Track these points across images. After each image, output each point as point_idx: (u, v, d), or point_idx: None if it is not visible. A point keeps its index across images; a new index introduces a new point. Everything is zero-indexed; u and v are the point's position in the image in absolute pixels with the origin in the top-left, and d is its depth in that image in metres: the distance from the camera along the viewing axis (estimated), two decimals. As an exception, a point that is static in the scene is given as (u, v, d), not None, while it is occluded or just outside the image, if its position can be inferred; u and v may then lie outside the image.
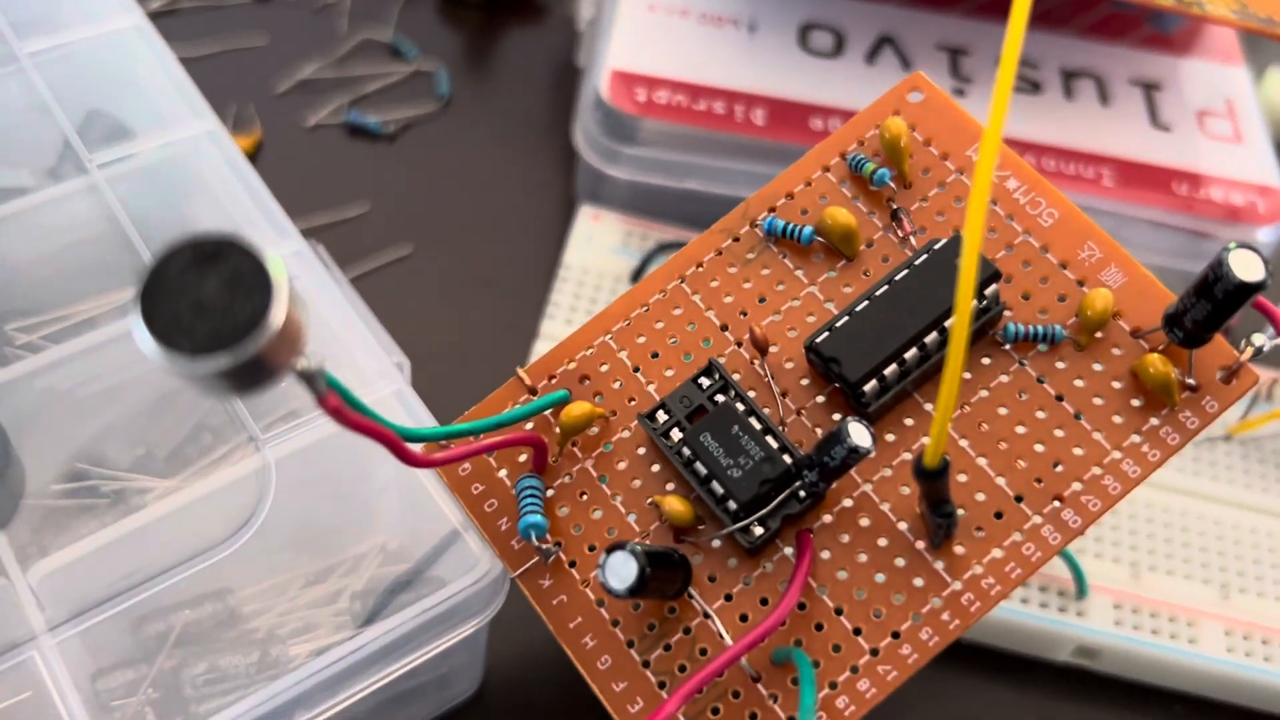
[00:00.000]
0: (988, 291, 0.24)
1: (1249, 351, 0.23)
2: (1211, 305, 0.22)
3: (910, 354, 0.23)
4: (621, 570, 0.21)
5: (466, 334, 0.36)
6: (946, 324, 0.24)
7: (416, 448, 0.24)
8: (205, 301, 0.16)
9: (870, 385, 0.23)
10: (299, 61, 0.42)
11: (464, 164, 0.41)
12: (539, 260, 0.38)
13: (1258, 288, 0.21)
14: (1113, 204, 0.36)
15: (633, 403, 0.25)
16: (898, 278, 0.24)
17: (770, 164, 0.36)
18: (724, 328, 0.26)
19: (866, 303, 0.24)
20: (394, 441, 0.20)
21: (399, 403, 0.27)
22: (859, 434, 0.21)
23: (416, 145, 0.41)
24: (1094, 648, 0.31)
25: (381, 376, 0.27)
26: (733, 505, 0.23)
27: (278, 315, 0.15)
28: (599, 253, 0.37)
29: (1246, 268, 0.21)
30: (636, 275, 0.36)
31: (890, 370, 0.23)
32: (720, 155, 0.36)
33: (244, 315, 0.15)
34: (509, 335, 0.36)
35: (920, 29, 0.39)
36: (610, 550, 0.21)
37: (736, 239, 0.27)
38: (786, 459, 0.23)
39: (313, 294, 0.28)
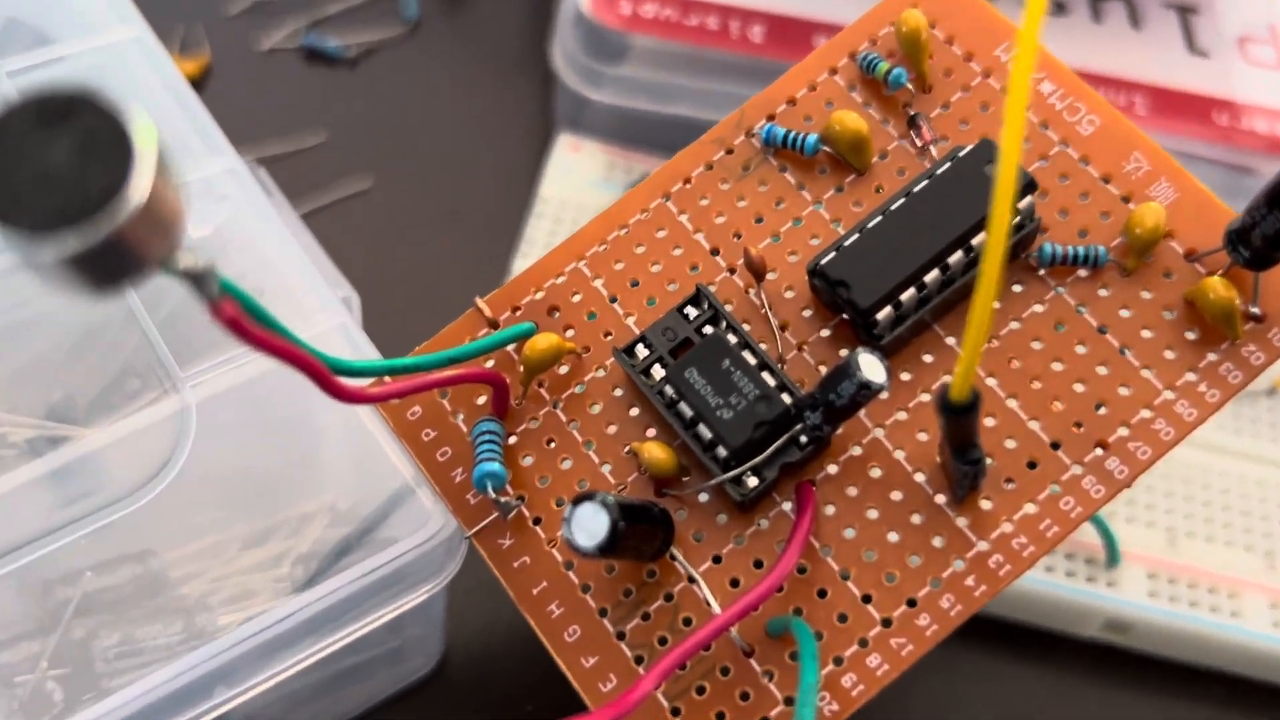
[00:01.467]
0: (1021, 205, 0.20)
1: (1326, 276, 0.20)
2: (1288, 216, 0.18)
3: (931, 276, 0.20)
4: (590, 524, 0.18)
5: (429, 273, 0.33)
6: (974, 241, 0.20)
7: (355, 384, 0.21)
8: (53, 171, 0.12)
9: (884, 313, 0.20)
10: (254, -20, 0.39)
11: (431, 91, 0.37)
12: (512, 195, 0.34)
13: (1345, 193, 0.18)
14: (1150, 134, 0.33)
15: (609, 337, 0.22)
16: (916, 189, 0.21)
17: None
18: (715, 252, 0.22)
19: (880, 218, 0.21)
20: (314, 367, 0.17)
21: (342, 337, 0.24)
22: (871, 367, 0.18)
23: (380, 71, 0.37)
24: (1125, 621, 0.28)
25: (323, 309, 0.24)
26: (722, 452, 0.20)
27: (139, 188, 0.12)
28: (579, 186, 0.33)
29: (1332, 169, 0.18)
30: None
31: (907, 295, 0.20)
32: (713, 76, 0.33)
33: (97, 187, 0.12)
34: (477, 274, 0.32)
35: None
36: (577, 502, 0.18)
37: (730, 150, 0.23)
38: (785, 398, 0.20)
39: (245, 217, 0.25)
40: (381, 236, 0.34)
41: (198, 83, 0.36)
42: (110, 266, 0.12)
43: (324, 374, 0.17)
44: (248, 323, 0.15)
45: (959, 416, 0.17)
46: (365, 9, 0.39)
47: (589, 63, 0.33)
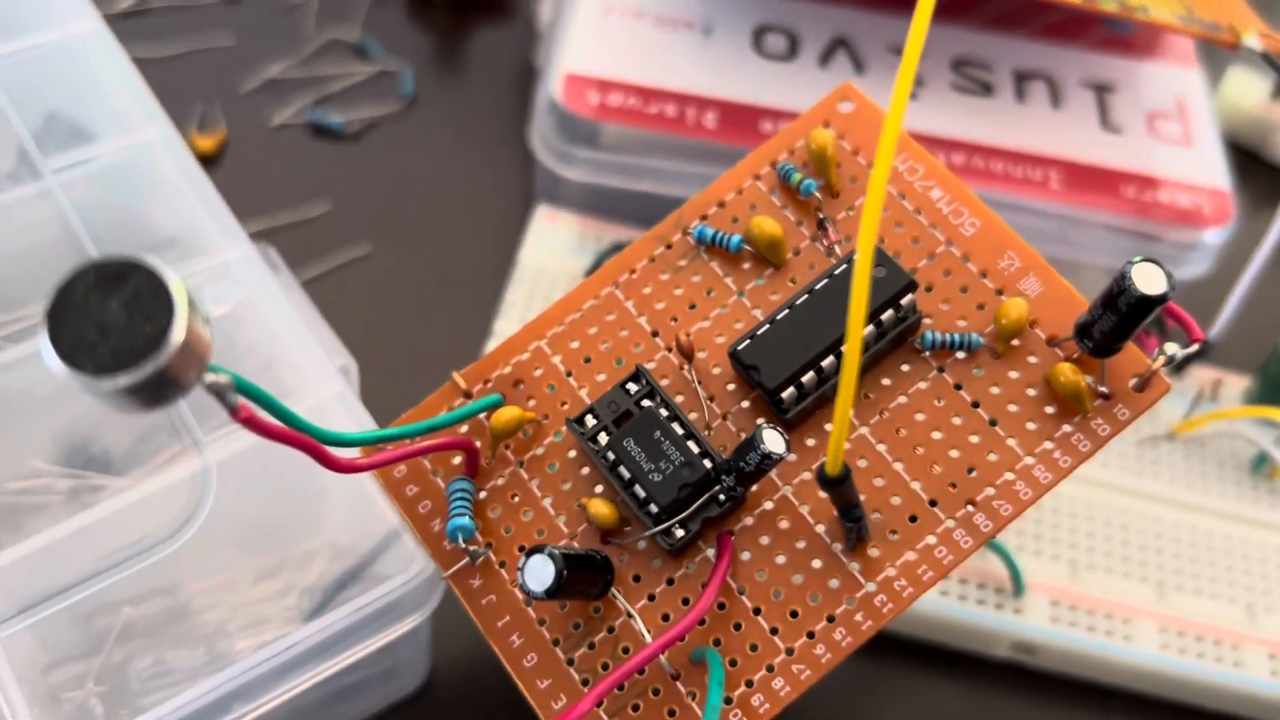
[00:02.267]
0: (904, 301, 0.24)
1: (1161, 360, 0.24)
2: (1117, 317, 0.22)
3: (827, 362, 0.24)
4: (540, 573, 0.22)
5: (420, 334, 0.37)
6: (863, 333, 0.24)
7: (349, 452, 0.25)
8: (108, 322, 0.16)
9: (788, 392, 0.24)
10: (265, 61, 0.43)
11: (425, 164, 0.41)
12: (496, 260, 0.38)
13: (1159, 301, 0.22)
14: (1061, 207, 0.37)
15: (565, 406, 0.26)
16: (817, 287, 0.25)
17: (722, 166, 0.36)
18: (655, 333, 0.26)
19: (787, 311, 0.25)
20: (314, 448, 0.21)
21: (340, 406, 0.28)
22: (772, 440, 0.22)
23: (379, 145, 0.41)
24: (1031, 644, 0.32)
25: (324, 380, 0.28)
26: (654, 509, 0.24)
27: (177, 335, 0.16)
28: (554, 252, 0.37)
29: (1149, 281, 0.22)
30: (590, 275, 0.37)
31: (808, 378, 0.24)
32: (673, 158, 0.37)
33: (143, 336, 0.16)
34: (462, 335, 0.36)
35: (874, 31, 0.40)
36: (529, 554, 0.22)
37: (669, 246, 0.27)
38: (706, 463, 0.24)
39: (257, 298, 0.29)
40: (379, 298, 0.38)
41: (215, 157, 0.40)
42: (156, 393, 0.16)
43: (322, 453, 0.21)
44: (261, 420, 0.19)
45: (833, 488, 0.21)
46: (366, 86, 0.43)
47: (562, 146, 0.37)
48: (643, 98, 0.37)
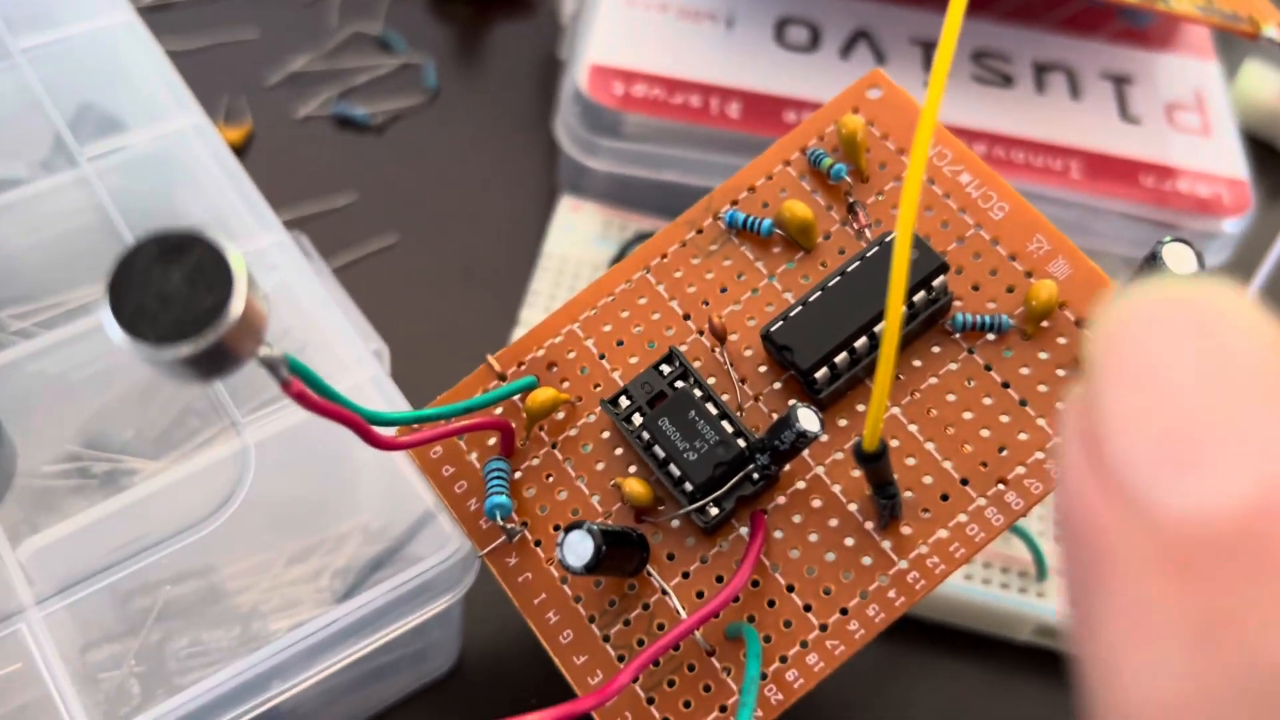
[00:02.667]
0: (935, 283, 0.25)
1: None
2: (1147, 296, 0.23)
3: (860, 342, 0.24)
4: (579, 548, 0.22)
5: (448, 321, 0.37)
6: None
7: (387, 431, 0.25)
8: (169, 293, 0.17)
9: (821, 372, 0.24)
10: (289, 54, 0.43)
11: (450, 155, 0.41)
12: (521, 250, 0.39)
13: (1189, 280, 0.22)
14: (1081, 196, 0.37)
15: (598, 388, 0.26)
16: (850, 269, 0.25)
17: (745, 156, 0.36)
18: (686, 316, 0.27)
19: (820, 293, 0.25)
20: (359, 424, 0.21)
21: (375, 388, 0.28)
22: (807, 419, 0.22)
23: (404, 137, 0.42)
24: (1054, 628, 0.32)
25: (359, 363, 0.28)
26: (689, 487, 0.24)
27: (237, 306, 0.16)
28: (579, 242, 0.38)
29: (1180, 261, 0.22)
30: (614, 264, 0.37)
31: (841, 358, 0.24)
32: (697, 148, 0.37)
33: (204, 306, 0.16)
34: (489, 323, 0.37)
35: (894, 23, 0.40)
36: (568, 529, 0.22)
37: (700, 231, 0.28)
38: (740, 443, 0.24)
39: (292, 283, 0.29)
40: (407, 288, 0.38)
41: (242, 149, 0.41)
42: (215, 365, 0.17)
43: (366, 429, 0.21)
44: (310, 395, 0.19)
45: (871, 463, 0.21)
46: (390, 79, 0.43)
47: (587, 136, 0.37)
48: (667, 88, 0.37)
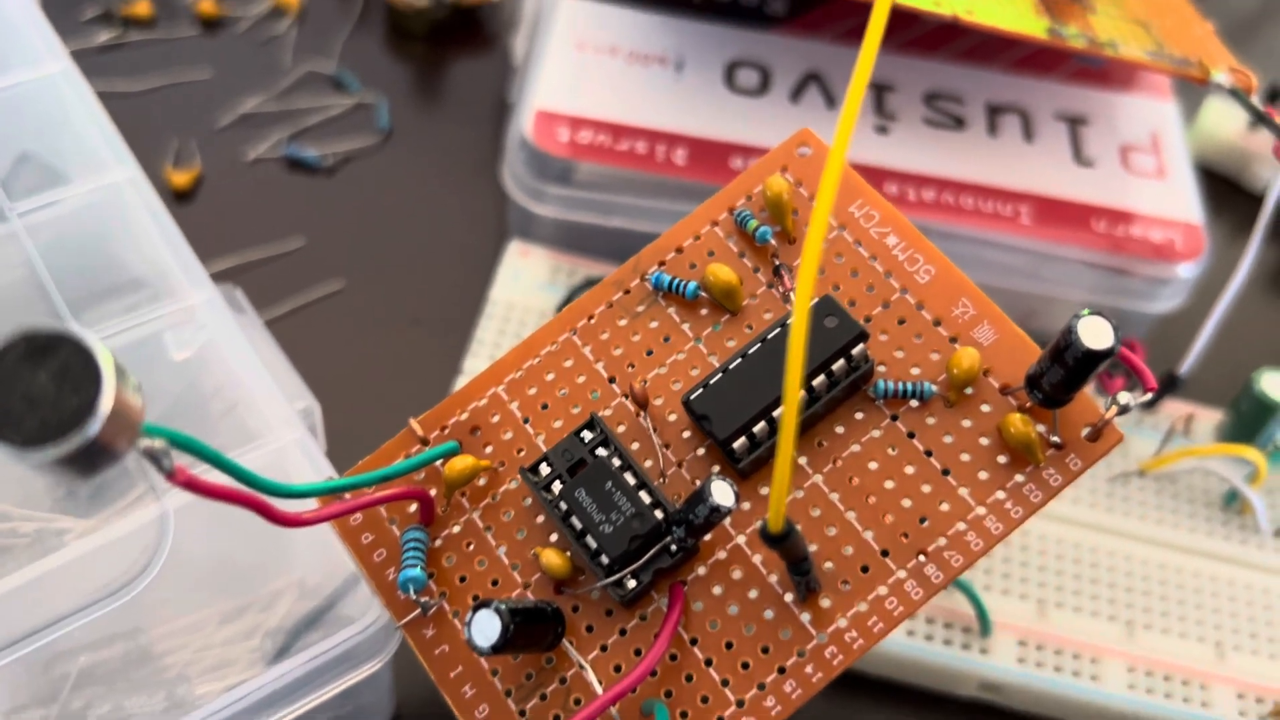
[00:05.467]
0: (855, 352, 0.24)
1: (1113, 410, 0.23)
2: (1064, 370, 0.22)
3: (779, 411, 0.24)
4: (486, 628, 0.22)
5: (391, 371, 0.37)
6: (815, 382, 0.24)
7: (304, 503, 0.25)
8: (35, 394, 0.16)
9: (740, 442, 0.24)
10: (242, 95, 0.43)
11: (400, 198, 0.41)
12: (469, 295, 0.38)
13: (1106, 355, 0.22)
14: (1032, 242, 0.37)
15: (521, 453, 0.26)
16: (770, 336, 0.25)
17: (692, 202, 0.36)
18: (612, 380, 0.26)
19: (740, 360, 0.25)
20: (259, 505, 0.21)
21: (299, 451, 0.28)
22: (721, 493, 0.22)
23: (355, 179, 0.42)
24: (998, 684, 0.32)
25: (284, 424, 0.28)
26: (605, 559, 0.24)
27: (105, 406, 0.16)
28: (526, 288, 0.37)
29: (1095, 336, 0.22)
30: (560, 310, 0.37)
31: (760, 427, 0.24)
32: (644, 194, 0.37)
33: (71, 407, 0.16)
34: (433, 372, 0.36)
35: (845, 66, 0.40)
36: (475, 609, 0.22)
37: (627, 291, 0.27)
38: (658, 515, 0.24)
39: (220, 342, 0.29)
40: (350, 335, 0.38)
41: (190, 192, 0.40)
42: (87, 463, 0.17)
43: (267, 509, 0.21)
44: (200, 482, 0.19)
45: (777, 544, 0.21)
46: (342, 119, 0.43)
47: (533, 182, 0.37)
48: (613, 134, 0.37)
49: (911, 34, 0.41)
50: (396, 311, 0.38)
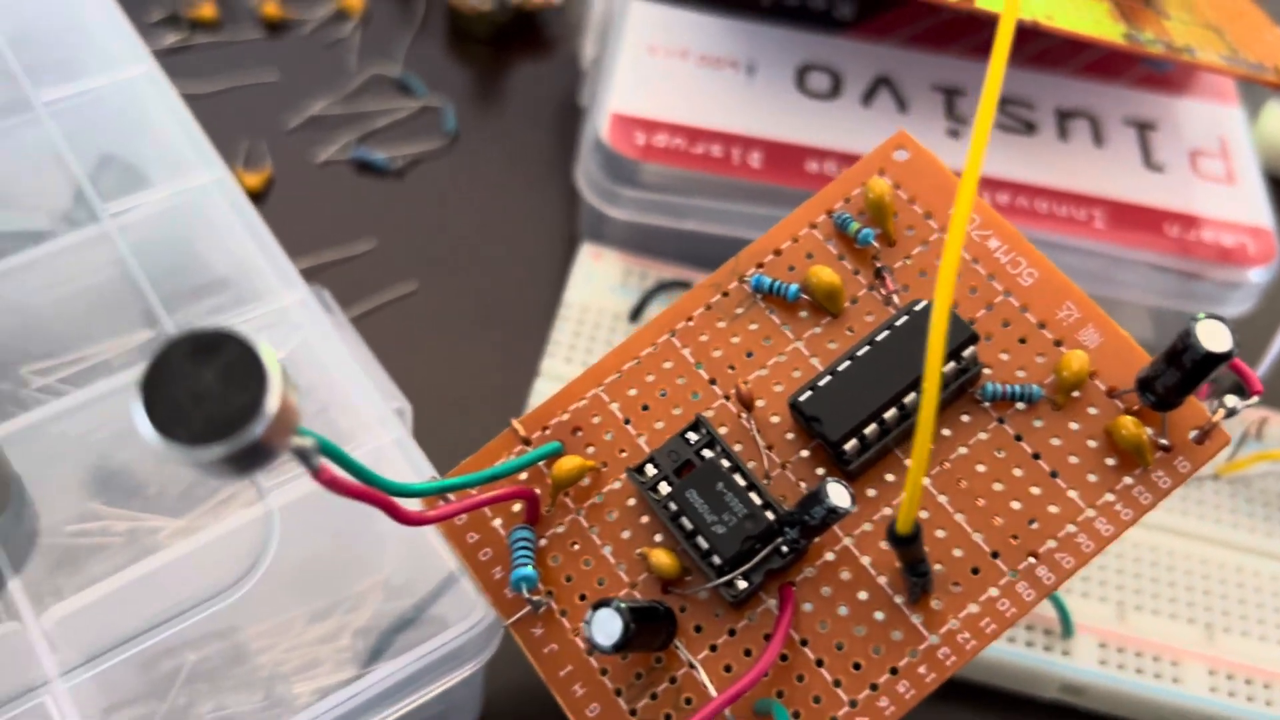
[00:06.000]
0: (965, 354, 0.24)
1: (1221, 413, 0.24)
2: (1180, 373, 0.22)
3: (890, 414, 0.24)
4: (607, 626, 0.22)
5: (469, 372, 0.37)
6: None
7: (413, 503, 0.25)
8: (202, 392, 0.17)
9: (851, 444, 0.24)
10: (309, 97, 0.43)
11: (469, 200, 0.41)
12: (541, 297, 0.38)
13: (1224, 358, 0.22)
14: (1105, 246, 0.37)
15: (623, 454, 0.26)
16: (879, 338, 0.25)
17: (767, 205, 0.36)
18: (712, 381, 0.27)
19: (849, 362, 0.25)
20: (389, 505, 0.21)
21: (399, 451, 0.28)
22: (838, 495, 0.22)
23: (423, 181, 0.42)
24: (1079, 686, 0.32)
25: (382, 424, 0.28)
26: (717, 560, 0.24)
27: (271, 404, 0.16)
28: (599, 291, 0.38)
29: (1213, 338, 0.22)
30: (635, 314, 0.37)
31: (870, 430, 0.24)
32: (718, 197, 0.37)
33: (238, 405, 0.16)
34: (511, 373, 0.36)
35: (916, 70, 0.40)
36: (596, 607, 0.22)
37: (725, 294, 0.27)
38: (769, 515, 0.24)
39: (315, 342, 0.29)
40: (427, 337, 0.38)
41: (261, 194, 0.41)
42: (249, 462, 0.17)
43: (397, 509, 0.21)
44: (341, 480, 0.19)
45: (904, 545, 0.21)
46: (409, 122, 0.43)
47: (608, 185, 0.37)
48: (688, 138, 0.37)
49: (980, 38, 0.41)
50: (470, 313, 0.38)
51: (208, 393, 0.17)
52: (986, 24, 0.40)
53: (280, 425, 0.17)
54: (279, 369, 0.17)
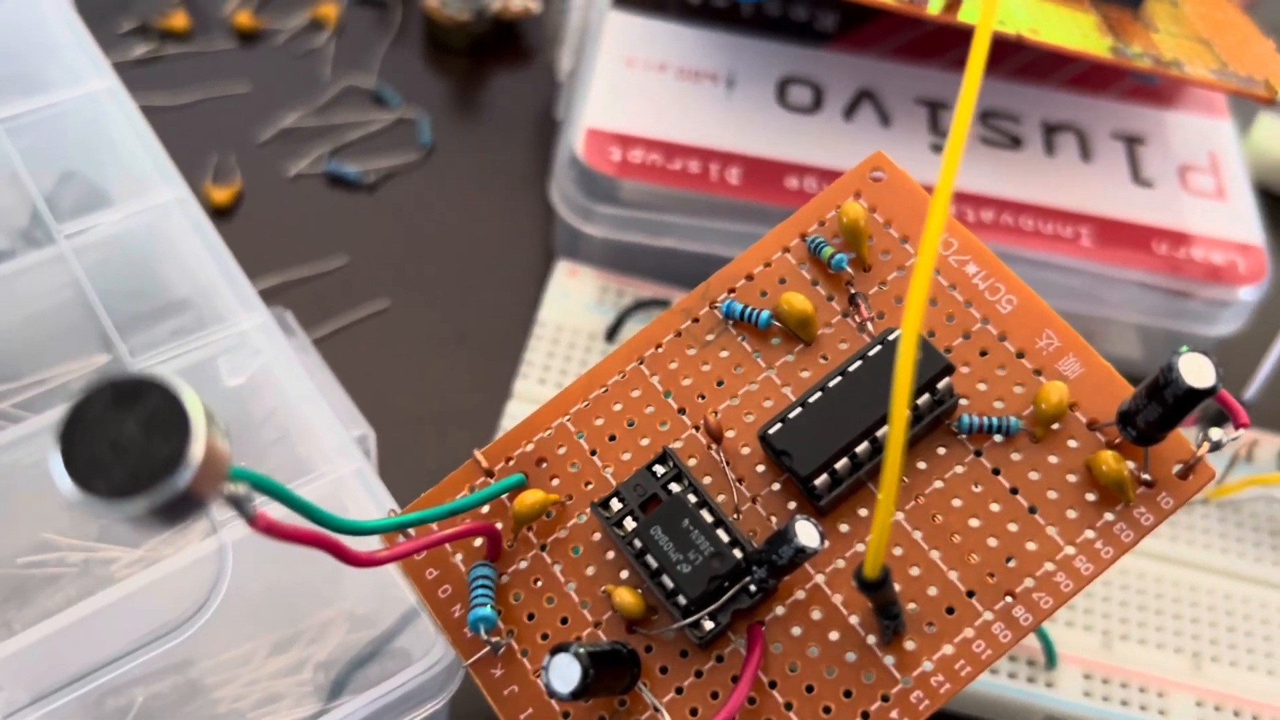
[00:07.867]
0: (940, 385, 0.23)
1: (1206, 446, 0.23)
2: (1163, 408, 0.22)
3: (861, 448, 0.23)
4: (565, 673, 0.21)
5: (440, 393, 0.36)
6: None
7: (369, 541, 0.24)
8: (124, 442, 0.16)
9: (821, 479, 0.23)
10: (281, 109, 0.42)
11: (444, 215, 0.40)
12: (516, 315, 0.38)
13: (1208, 393, 0.21)
14: (1092, 264, 0.36)
15: (589, 487, 0.25)
16: (851, 368, 0.24)
17: (746, 222, 0.35)
18: (681, 411, 0.26)
19: (819, 394, 0.24)
20: (334, 547, 0.20)
21: (359, 482, 0.27)
22: (806, 534, 0.21)
23: (397, 195, 0.41)
24: (1063, 717, 0.31)
25: (342, 454, 0.27)
26: (683, 600, 0.23)
27: (195, 454, 0.16)
28: (574, 309, 0.37)
29: (1196, 374, 0.21)
30: (611, 333, 0.36)
31: (841, 464, 0.23)
32: (696, 214, 0.36)
33: (161, 456, 0.16)
34: (482, 395, 0.35)
35: (899, 83, 0.39)
36: (554, 652, 0.21)
37: (696, 320, 0.26)
38: (737, 554, 0.23)
39: (274, 366, 0.28)
40: (399, 356, 0.37)
41: (231, 208, 0.40)
42: (175, 513, 0.16)
43: (343, 552, 0.20)
44: (279, 526, 0.18)
45: (872, 590, 0.20)
46: (383, 134, 0.42)
47: (583, 201, 0.36)
48: (665, 153, 0.36)
49: (965, 51, 0.40)
50: (443, 331, 0.38)
51: (130, 443, 0.16)
52: (970, 36, 0.39)
53: (207, 474, 0.16)
54: (203, 415, 0.16)
